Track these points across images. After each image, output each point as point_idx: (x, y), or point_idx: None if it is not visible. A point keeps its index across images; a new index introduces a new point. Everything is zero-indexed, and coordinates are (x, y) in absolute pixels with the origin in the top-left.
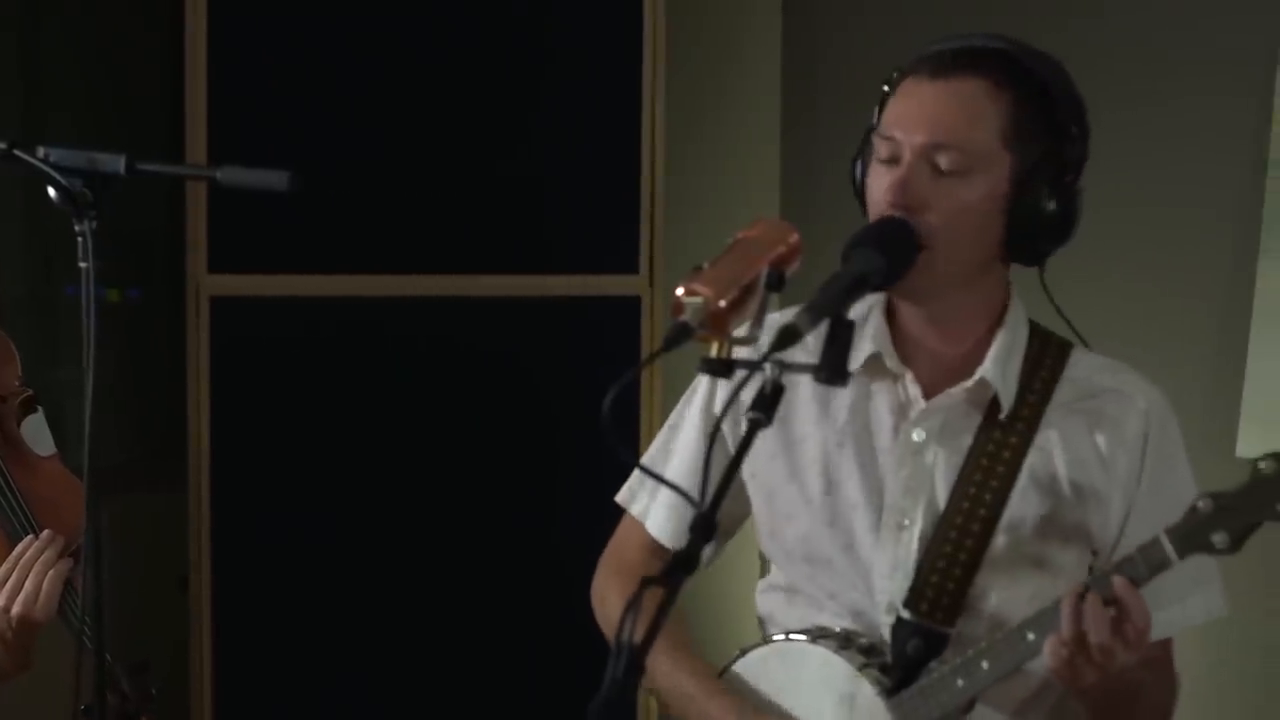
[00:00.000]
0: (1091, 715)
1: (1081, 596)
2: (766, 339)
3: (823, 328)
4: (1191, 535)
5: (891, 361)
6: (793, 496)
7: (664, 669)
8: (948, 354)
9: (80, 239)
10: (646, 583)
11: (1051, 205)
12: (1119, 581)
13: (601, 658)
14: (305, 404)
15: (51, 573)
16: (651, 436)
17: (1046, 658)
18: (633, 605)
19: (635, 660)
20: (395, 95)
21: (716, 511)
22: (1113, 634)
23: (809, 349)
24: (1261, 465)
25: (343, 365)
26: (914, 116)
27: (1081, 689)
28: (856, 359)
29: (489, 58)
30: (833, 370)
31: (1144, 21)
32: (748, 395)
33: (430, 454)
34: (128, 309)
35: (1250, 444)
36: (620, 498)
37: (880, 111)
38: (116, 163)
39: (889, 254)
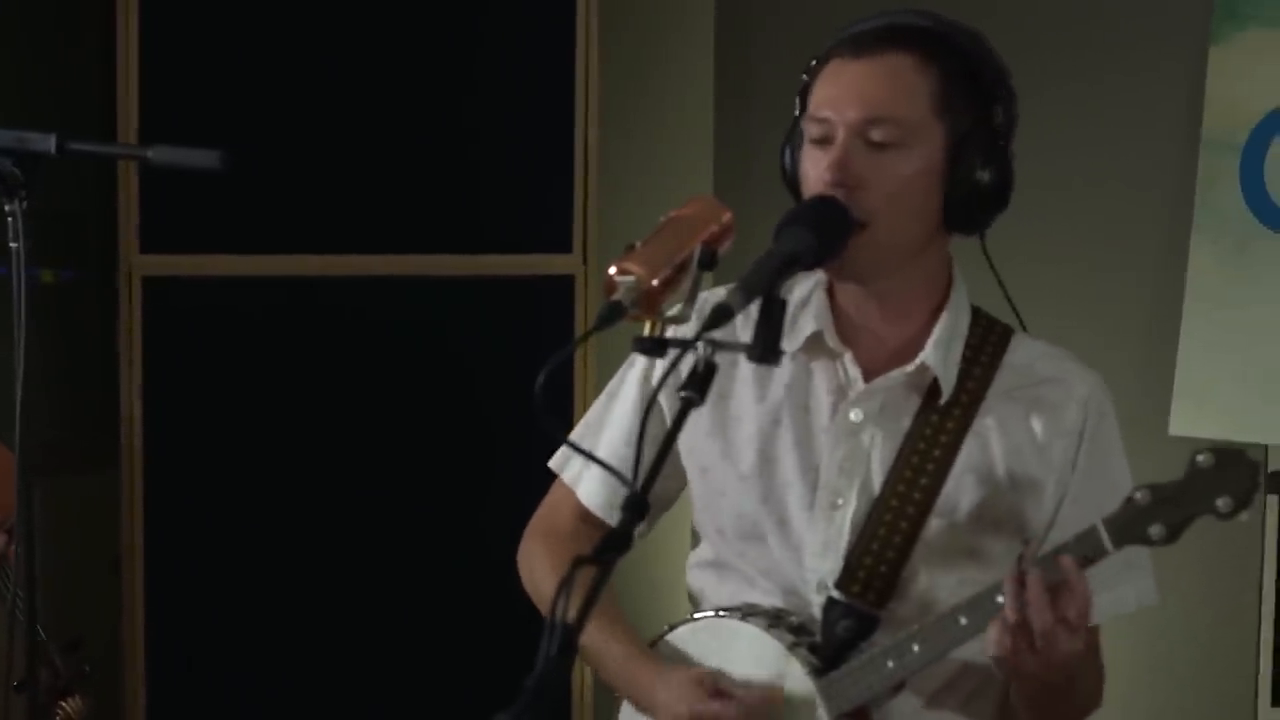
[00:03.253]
0: (1026, 703)
1: (1022, 581)
2: (700, 318)
3: (755, 306)
4: (1128, 526)
5: (833, 341)
6: (727, 473)
7: (591, 637)
8: (889, 335)
9: (10, 219)
10: (579, 562)
11: (987, 172)
12: (1065, 561)
13: (537, 635)
14: (238, 384)
15: None
16: (585, 415)
17: (990, 645)
18: (565, 584)
19: (569, 639)
20: (328, 74)
21: (649, 490)
22: (1055, 618)
23: (751, 327)
24: (1200, 459)
25: (275, 345)
26: (844, 95)
27: (1020, 675)
28: (798, 338)
29: (422, 36)
30: (765, 349)
31: (1078, 2)
32: (685, 371)
33: (363, 434)
34: (60, 289)
35: (1183, 422)
36: (553, 463)
37: (803, 99)
38: (47, 142)
39: (820, 233)
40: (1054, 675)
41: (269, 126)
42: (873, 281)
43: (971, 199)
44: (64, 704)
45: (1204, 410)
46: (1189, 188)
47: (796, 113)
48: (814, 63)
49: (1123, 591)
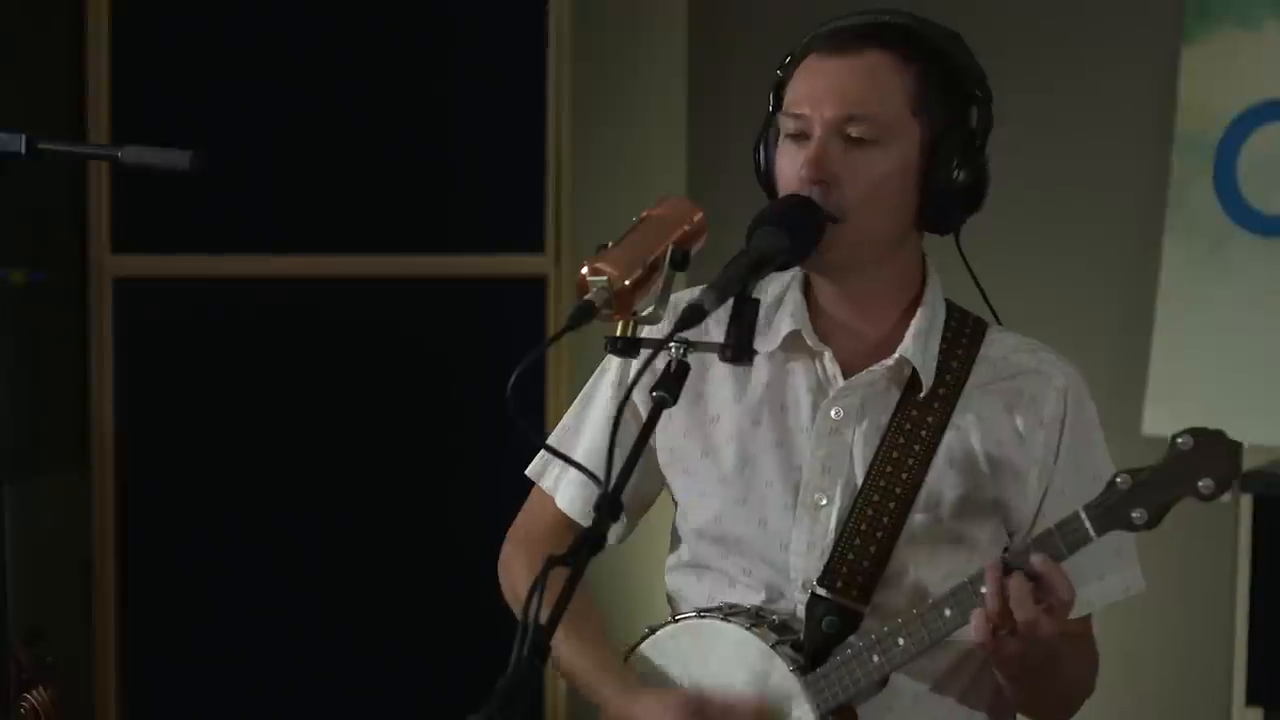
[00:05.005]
0: (1012, 685)
1: (1005, 572)
2: (672, 318)
3: (728, 307)
4: (1110, 511)
5: (811, 339)
6: (707, 474)
7: (564, 650)
8: (866, 332)
9: None
10: (552, 562)
11: (963, 173)
12: (1037, 559)
13: (509, 637)
14: (208, 384)
15: None
16: (558, 416)
17: (972, 632)
18: (538, 585)
19: (540, 640)
20: (300, 73)
21: (622, 491)
22: (1037, 607)
23: (724, 327)
24: (1180, 441)
25: (245, 345)
26: (822, 91)
27: (1003, 659)
28: (775, 337)
29: (394, 35)
30: (738, 349)
31: (1051, 2)
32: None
33: (335, 435)
34: (31, 291)
35: (1156, 422)
36: (531, 471)
37: (777, 95)
38: (16, 142)
39: (793, 232)
40: (1035, 656)
41: (239, 127)
42: (847, 277)
43: (946, 198)
44: (29, 695)
45: (1177, 410)
46: (1161, 188)
47: (770, 108)
48: (789, 58)
49: (1111, 581)
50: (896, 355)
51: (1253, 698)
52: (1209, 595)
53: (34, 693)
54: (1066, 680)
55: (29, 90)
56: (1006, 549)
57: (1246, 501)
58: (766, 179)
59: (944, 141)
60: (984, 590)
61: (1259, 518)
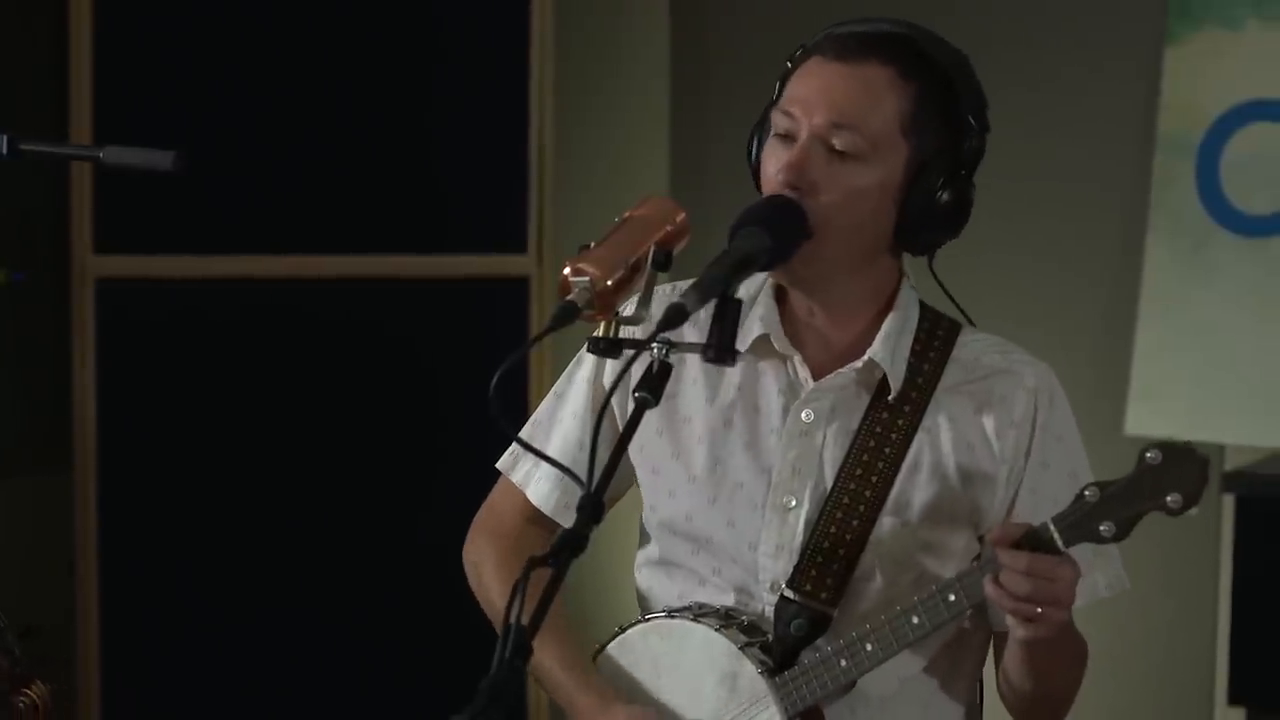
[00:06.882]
0: (1029, 667)
1: (995, 579)
2: (655, 318)
3: (710, 307)
4: (1078, 524)
5: (780, 344)
6: (677, 473)
7: (536, 656)
8: (837, 336)
9: None
10: (533, 563)
11: (945, 198)
12: (1005, 555)
13: (492, 637)
14: (190, 384)
15: None
16: None
17: (1016, 628)
18: (519, 586)
19: (523, 641)
20: (282, 73)
21: (604, 493)
22: (1042, 592)
23: (700, 327)
24: (1149, 455)
25: (228, 346)
26: (814, 95)
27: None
28: (744, 340)
29: (377, 36)
30: (720, 349)
31: (1033, 1)
32: (637, 371)
33: (318, 435)
34: (13, 291)
35: (1139, 422)
36: (502, 464)
37: (782, 86)
38: None
39: (776, 234)
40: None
41: (222, 127)
42: (817, 289)
43: (923, 224)
44: (27, 690)
45: (1159, 410)
46: (1144, 188)
47: (774, 97)
48: (799, 51)
49: (1094, 578)
50: (865, 358)
51: (1235, 698)
52: (1192, 596)
53: (33, 687)
54: (1071, 657)
55: (11, 90)
56: (977, 557)
57: (1229, 502)
58: (755, 170)
59: (930, 166)
60: (953, 598)
61: (1241, 518)
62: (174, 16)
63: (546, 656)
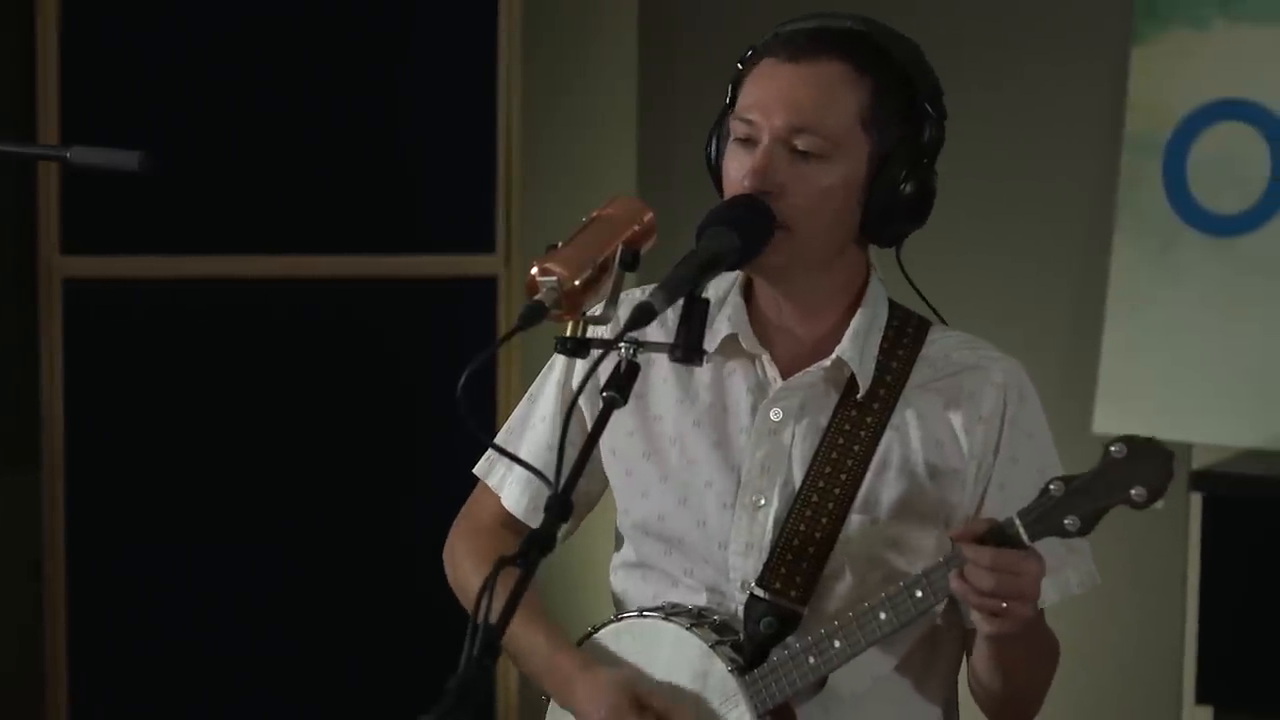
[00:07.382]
0: (997, 663)
1: (960, 574)
2: (622, 318)
3: (679, 307)
4: (1043, 519)
5: (748, 343)
6: (648, 473)
7: (514, 631)
8: (806, 334)
9: None
10: (503, 562)
11: (909, 189)
12: (971, 550)
13: (461, 636)
14: (158, 384)
15: None
16: (509, 416)
17: (982, 624)
18: (488, 585)
19: (491, 640)
20: (250, 73)
21: (572, 491)
22: (1007, 587)
23: (668, 327)
24: (1113, 449)
25: (196, 346)
26: (772, 99)
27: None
28: (713, 339)
29: (345, 36)
30: (688, 349)
31: (1001, 2)
32: (606, 372)
33: (286, 436)
34: None
35: (1106, 420)
36: (478, 469)
37: (734, 90)
38: None
39: (744, 233)
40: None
41: (189, 127)
42: (786, 283)
43: (889, 215)
44: None
45: (1127, 409)
46: (1112, 187)
47: (727, 100)
48: (749, 53)
49: (1066, 575)
50: (834, 356)
51: (1203, 696)
52: (1160, 595)
53: None
54: (1040, 654)
55: None
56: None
57: (1196, 501)
58: (716, 173)
59: (892, 157)
60: (920, 594)
61: (1208, 517)
62: (142, 16)
63: (523, 630)
